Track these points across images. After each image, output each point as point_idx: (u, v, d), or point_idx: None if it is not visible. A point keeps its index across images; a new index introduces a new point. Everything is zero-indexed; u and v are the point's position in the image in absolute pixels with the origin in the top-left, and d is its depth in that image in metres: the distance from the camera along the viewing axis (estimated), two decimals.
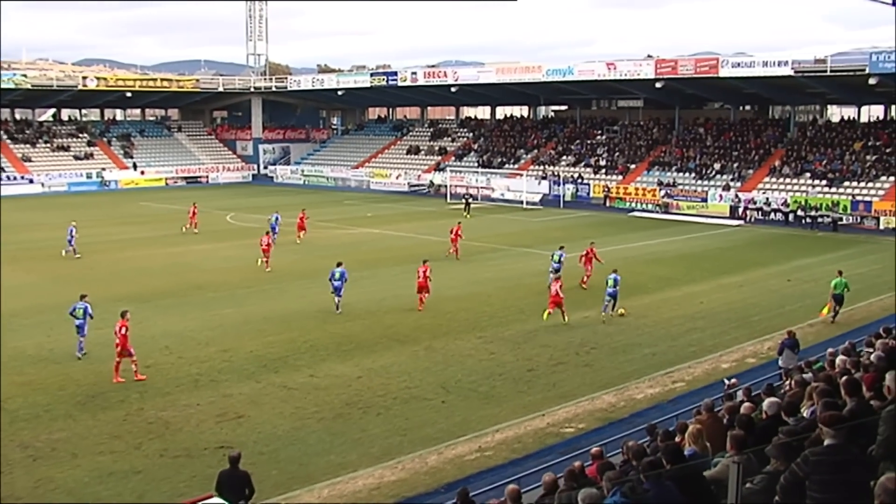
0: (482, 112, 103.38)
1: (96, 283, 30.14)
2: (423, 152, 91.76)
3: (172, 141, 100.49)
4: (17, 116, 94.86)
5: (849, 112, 77.77)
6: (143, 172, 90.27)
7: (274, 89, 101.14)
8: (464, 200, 66.21)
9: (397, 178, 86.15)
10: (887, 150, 63.23)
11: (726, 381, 19.82)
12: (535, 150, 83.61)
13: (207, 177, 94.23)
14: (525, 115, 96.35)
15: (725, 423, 12.51)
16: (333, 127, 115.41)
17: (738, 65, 64.85)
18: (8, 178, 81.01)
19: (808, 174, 64.10)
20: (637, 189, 69.68)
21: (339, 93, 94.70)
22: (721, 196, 64.38)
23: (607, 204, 69.43)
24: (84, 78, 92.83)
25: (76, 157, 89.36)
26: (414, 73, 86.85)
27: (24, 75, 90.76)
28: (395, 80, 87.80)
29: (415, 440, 19.45)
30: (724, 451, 9.88)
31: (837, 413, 8.20)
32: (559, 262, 36.16)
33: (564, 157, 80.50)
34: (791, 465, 7.74)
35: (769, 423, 10.80)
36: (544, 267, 40.90)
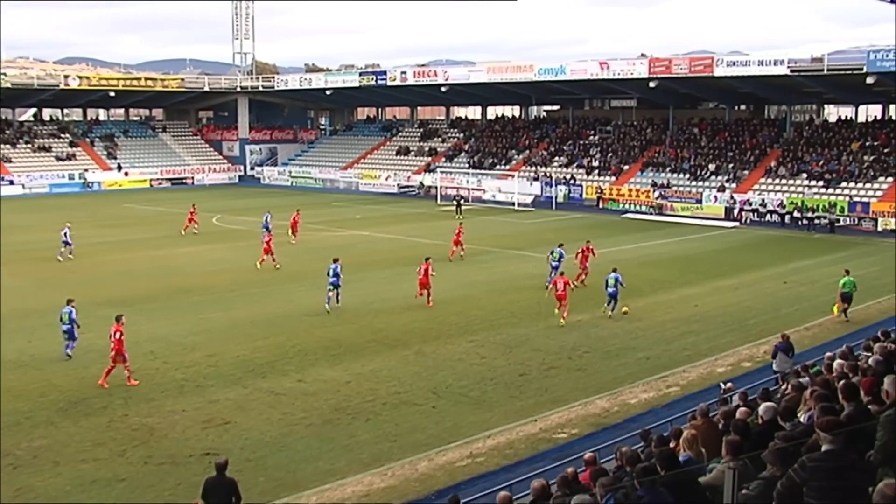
0: (473, 112, 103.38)
1: (79, 287, 30.08)
2: (412, 153, 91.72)
3: (157, 141, 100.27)
4: None
5: (846, 112, 78.06)
6: (126, 174, 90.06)
7: (261, 89, 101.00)
8: (455, 202, 66.25)
9: (387, 179, 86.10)
10: (885, 151, 63.39)
11: (722, 386, 19.85)
12: (527, 151, 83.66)
13: (193, 178, 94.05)
14: (516, 115, 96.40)
15: (721, 428, 12.52)
16: (321, 127, 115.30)
17: (734, 64, 64.97)
18: None
19: (804, 175, 64.23)
20: (630, 190, 69.75)
21: (328, 92, 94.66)
22: (716, 197, 64.50)
23: (600, 205, 69.51)
24: (66, 77, 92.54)
25: (58, 158, 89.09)
26: (403, 73, 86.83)
27: (4, 74, 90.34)
28: (385, 79, 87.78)
29: (405, 446, 19.42)
30: (719, 456, 9.89)
31: (835, 418, 8.20)
32: (558, 260, 36.88)
33: (557, 158, 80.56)
34: (788, 471, 7.74)
35: (765, 429, 10.81)
36: (537, 270, 41.00)
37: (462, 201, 66.98)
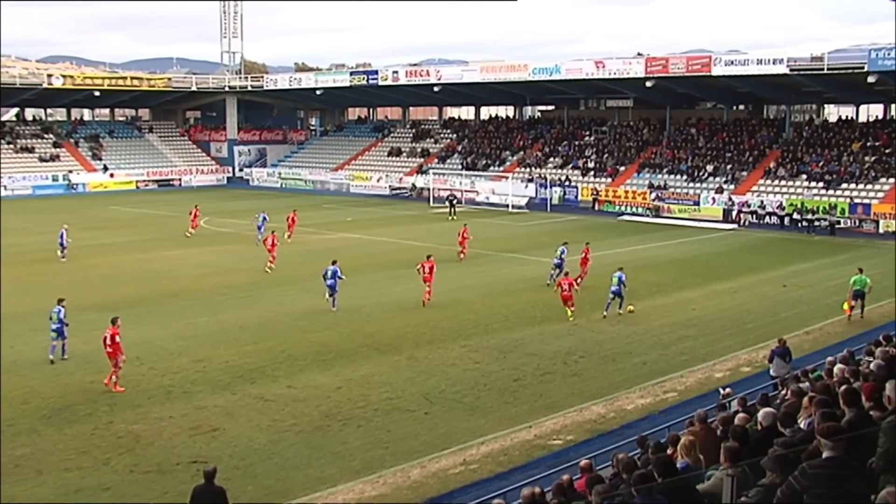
0: (466, 112, 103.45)
1: (64, 292, 29.88)
2: (404, 154, 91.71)
3: (143, 142, 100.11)
4: None
5: (846, 111, 78.18)
6: (112, 175, 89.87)
7: (249, 89, 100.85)
8: (448, 202, 66.33)
9: (378, 181, 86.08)
10: (886, 151, 63.53)
11: (721, 391, 19.86)
12: (521, 152, 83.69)
13: (180, 180, 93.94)
14: (510, 115, 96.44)
15: (719, 434, 12.53)
16: (312, 128, 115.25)
17: (732, 63, 65.09)
18: None
19: (804, 176, 64.35)
20: (627, 192, 69.80)
21: (318, 92, 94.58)
22: (714, 199, 64.58)
23: (596, 207, 69.55)
24: (49, 76, 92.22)
25: (41, 159, 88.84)
26: (395, 72, 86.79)
27: None
28: (376, 79, 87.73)
29: (397, 453, 19.40)
30: (717, 463, 9.88)
31: (836, 424, 8.20)
32: (560, 258, 37.86)
33: (551, 159, 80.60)
34: (788, 478, 7.74)
35: (764, 435, 10.81)
36: (531, 273, 41.11)
37: (456, 201, 67.08)
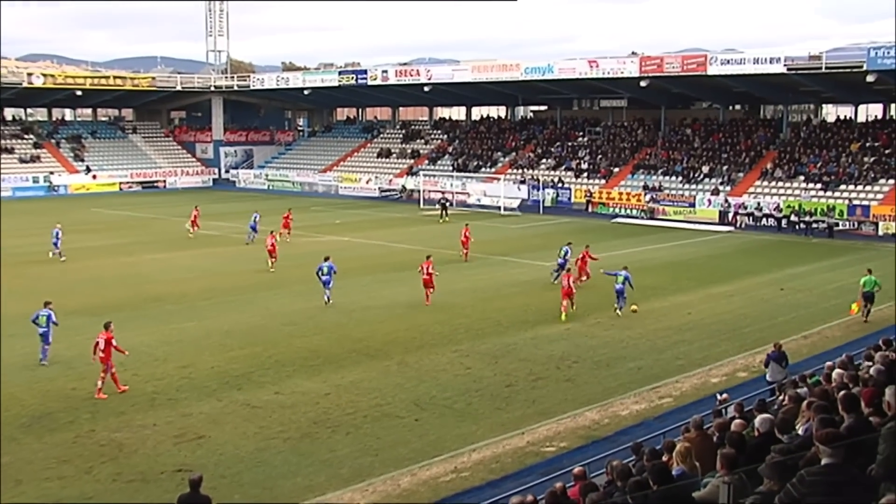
0: (457, 113, 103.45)
1: (45, 296, 29.78)
2: (394, 155, 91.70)
3: (127, 143, 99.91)
4: None
5: (845, 111, 78.29)
6: (94, 177, 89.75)
7: (236, 88, 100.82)
8: (440, 204, 66.40)
9: (367, 182, 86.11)
10: (886, 152, 63.68)
11: (718, 396, 19.88)
12: (514, 153, 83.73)
13: (165, 181, 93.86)
14: (502, 115, 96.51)
15: (715, 440, 12.53)
16: (299, 128, 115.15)
17: (728, 62, 65.17)
18: None
19: (801, 177, 64.49)
20: (621, 194, 69.89)
21: (306, 92, 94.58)
22: (710, 201, 64.70)
23: (589, 209, 69.61)
24: (29, 74, 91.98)
25: (21, 160, 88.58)
26: (385, 72, 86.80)
27: None
28: (365, 78, 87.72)
29: (386, 461, 19.38)
30: (714, 470, 9.87)
31: (835, 430, 8.19)
32: (564, 258, 38.67)
33: (544, 160, 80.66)
34: (786, 485, 7.74)
35: (762, 441, 10.82)
36: (524, 276, 41.17)
37: (447, 203, 67.16)
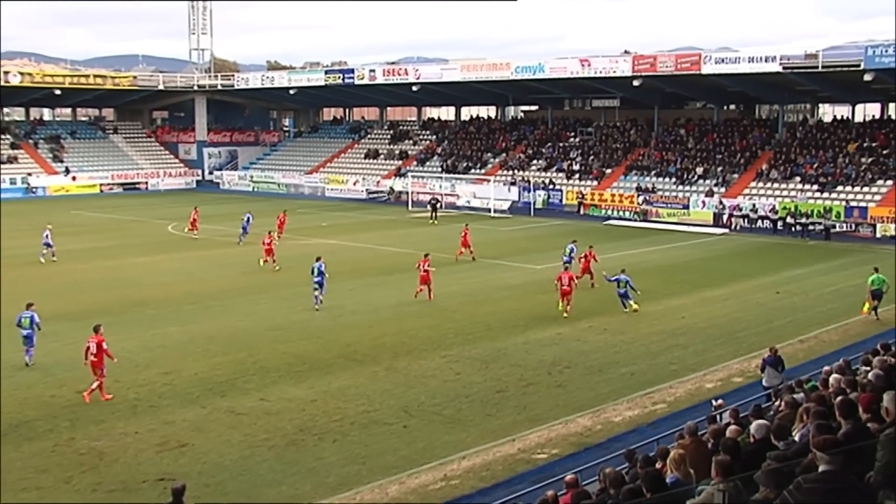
0: (446, 113, 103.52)
1: (24, 300, 29.65)
2: (382, 156, 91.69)
3: (107, 143, 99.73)
4: None
5: (842, 111, 78.57)
6: (74, 178, 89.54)
7: (220, 88, 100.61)
8: (430, 205, 66.50)
9: (354, 184, 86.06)
10: (884, 152, 63.86)
11: (713, 402, 19.90)
12: (504, 154, 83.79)
13: (147, 183, 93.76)
14: (492, 115, 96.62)
15: (710, 447, 12.54)
16: (285, 129, 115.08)
17: (722, 61, 65.33)
18: None
19: (798, 178, 64.64)
20: (613, 195, 69.98)
21: (291, 92, 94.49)
22: (704, 202, 64.81)
23: (581, 211, 69.68)
24: (6, 73, 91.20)
25: None
26: (372, 71, 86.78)
27: None
28: (352, 78, 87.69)
29: (374, 469, 19.35)
30: (708, 478, 9.88)
31: (832, 436, 8.22)
32: (570, 255, 40.30)
33: (535, 162, 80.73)
34: (782, 493, 7.74)
35: (757, 448, 10.82)
36: (514, 280, 41.19)
37: (438, 204, 67.26)
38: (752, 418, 13.73)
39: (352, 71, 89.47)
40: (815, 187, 62.74)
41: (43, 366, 26.64)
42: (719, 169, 69.34)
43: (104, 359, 23.95)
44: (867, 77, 57.97)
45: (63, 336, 29.75)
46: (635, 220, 65.49)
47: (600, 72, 71.06)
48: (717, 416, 17.27)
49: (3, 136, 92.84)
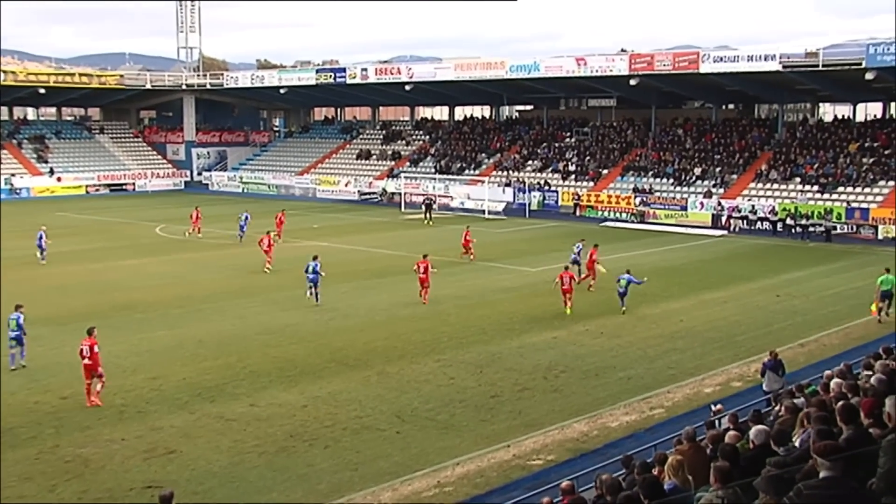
0: (439, 113, 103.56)
1: (8, 304, 29.61)
2: (374, 157, 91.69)
3: (93, 144, 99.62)
4: None
5: (843, 110, 78.68)
6: (59, 179, 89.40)
7: (208, 87, 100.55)
8: (424, 205, 66.61)
9: (346, 185, 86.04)
10: (886, 152, 63.96)
11: (713, 407, 19.91)
12: (498, 155, 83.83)
13: (134, 184, 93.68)
14: (487, 115, 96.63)
15: (709, 453, 12.53)
16: (275, 129, 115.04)
17: (721, 59, 65.43)
18: None
19: (798, 179, 64.74)
20: (610, 196, 70.05)
21: (282, 91, 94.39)
22: (702, 204, 64.88)
23: (577, 213, 69.75)
24: None
25: None
26: (364, 70, 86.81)
27: None
28: (344, 77, 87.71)
29: (366, 475, 19.34)
30: (707, 484, 9.87)
31: (833, 442, 8.21)
32: (577, 254, 41.22)
33: (530, 162, 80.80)
34: (782, 499, 7.74)
35: (757, 454, 10.83)
36: (509, 282, 41.21)
37: (432, 204, 67.35)
38: (751, 423, 13.73)
39: (343, 70, 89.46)
40: (816, 188, 62.83)
41: (27, 371, 26.58)
42: (718, 169, 69.42)
43: (99, 362, 23.92)
44: (869, 76, 58.08)
45: (48, 340, 29.69)
46: (632, 222, 65.53)
47: (596, 71, 71.14)
48: (716, 422, 17.27)
49: None
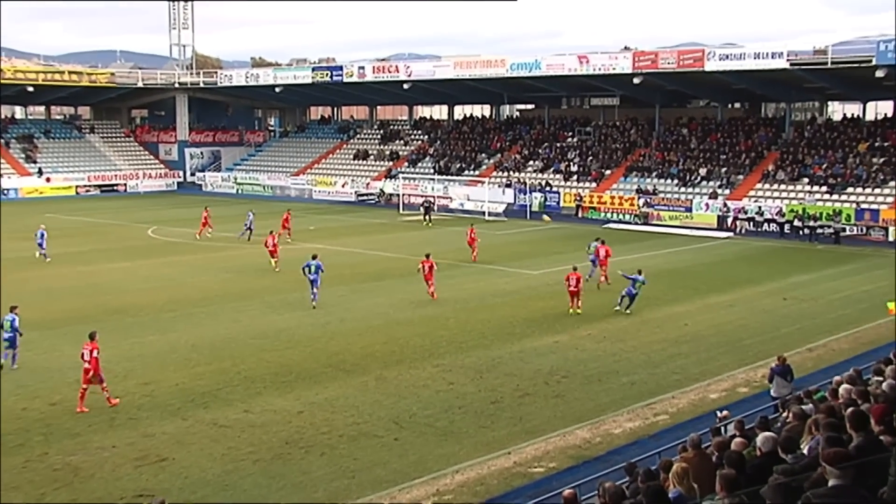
0: (438, 112, 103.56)
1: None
2: (372, 157, 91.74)
3: (84, 143, 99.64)
4: None
5: (852, 109, 78.61)
6: (48, 180, 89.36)
7: (202, 85, 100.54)
8: (423, 207, 66.69)
9: (343, 186, 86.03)
10: None
11: (718, 413, 19.90)
12: (499, 155, 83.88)
13: (125, 185, 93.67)
14: (487, 114, 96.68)
15: (714, 460, 12.53)
16: (270, 128, 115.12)
17: (727, 57, 65.38)
18: None
19: (805, 180, 64.75)
20: (613, 198, 70.06)
21: (277, 90, 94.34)
22: (707, 205, 64.87)
23: (580, 214, 69.77)
24: None
25: None
26: (361, 68, 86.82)
27: None
28: (341, 75, 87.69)
29: (364, 483, 19.33)
30: (713, 493, 9.87)
31: (842, 450, 8.20)
32: (594, 253, 42.08)
33: (531, 163, 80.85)
34: None
35: (764, 461, 10.82)
36: (509, 286, 41.21)
37: (431, 206, 67.40)
38: (758, 430, 13.73)
39: (340, 68, 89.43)
40: (824, 189, 62.84)
41: (14, 377, 26.52)
42: (723, 170, 69.42)
43: (99, 367, 23.98)
44: (879, 73, 57.95)
45: (36, 345, 29.64)
46: (636, 224, 65.51)
47: (599, 69, 71.13)
48: (722, 428, 17.27)
49: None
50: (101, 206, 77.72)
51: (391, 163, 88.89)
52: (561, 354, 29.60)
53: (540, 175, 77.77)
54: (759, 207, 62.24)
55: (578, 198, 71.23)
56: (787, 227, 59.65)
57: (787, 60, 61.69)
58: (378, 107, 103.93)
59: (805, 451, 11.08)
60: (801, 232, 58.31)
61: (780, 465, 10.01)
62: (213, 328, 33.25)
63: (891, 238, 56.14)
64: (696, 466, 11.99)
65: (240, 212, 62.56)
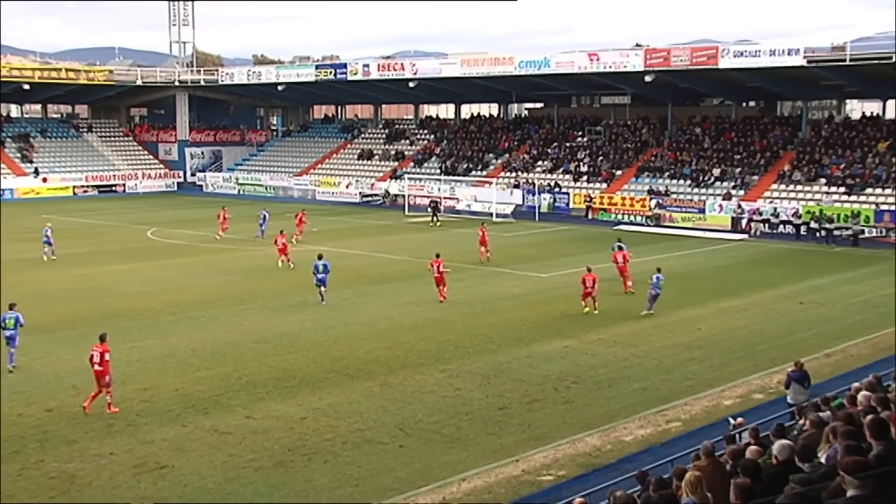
0: (445, 111, 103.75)
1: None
2: (376, 157, 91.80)
3: (81, 143, 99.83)
4: None
5: (872, 107, 78.44)
6: (45, 180, 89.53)
7: (202, 83, 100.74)
8: (430, 207, 66.82)
9: (347, 186, 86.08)
10: None
11: (731, 420, 19.86)
12: (507, 155, 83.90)
13: (124, 185, 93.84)
14: (494, 114, 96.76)
15: (728, 469, 12.51)
16: (272, 128, 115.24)
17: (741, 54, 65.24)
18: None
19: (823, 180, 64.60)
20: (624, 199, 70.01)
21: (280, 88, 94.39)
22: (721, 206, 64.78)
23: (590, 216, 69.74)
24: None
25: None
26: (366, 66, 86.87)
27: None
28: (345, 73, 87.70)
29: (368, 491, 19.33)
30: (727, 502, 9.86)
31: (862, 458, 8.18)
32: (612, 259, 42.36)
33: (540, 163, 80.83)
34: None
35: (780, 470, 10.80)
36: (517, 289, 41.19)
37: (438, 206, 67.45)
38: (773, 438, 13.71)
39: (344, 66, 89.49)
40: (842, 190, 62.68)
41: (10, 383, 26.54)
42: (738, 170, 69.32)
43: (109, 369, 24.14)
44: None
45: (32, 350, 29.67)
46: (647, 226, 65.47)
47: (610, 66, 70.99)
48: (736, 436, 17.24)
49: None
50: (99, 207, 77.84)
51: (396, 163, 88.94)
52: (570, 359, 29.58)
53: (549, 175, 77.74)
54: (775, 209, 62.09)
55: (588, 199, 71.15)
56: (803, 228, 59.45)
57: (804, 57, 61.46)
58: (383, 105, 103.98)
59: (822, 460, 11.05)
60: (817, 234, 58.13)
61: (797, 475, 9.98)
62: (213, 332, 33.27)
63: None
64: (709, 475, 11.97)
65: (241, 213, 62.79)
